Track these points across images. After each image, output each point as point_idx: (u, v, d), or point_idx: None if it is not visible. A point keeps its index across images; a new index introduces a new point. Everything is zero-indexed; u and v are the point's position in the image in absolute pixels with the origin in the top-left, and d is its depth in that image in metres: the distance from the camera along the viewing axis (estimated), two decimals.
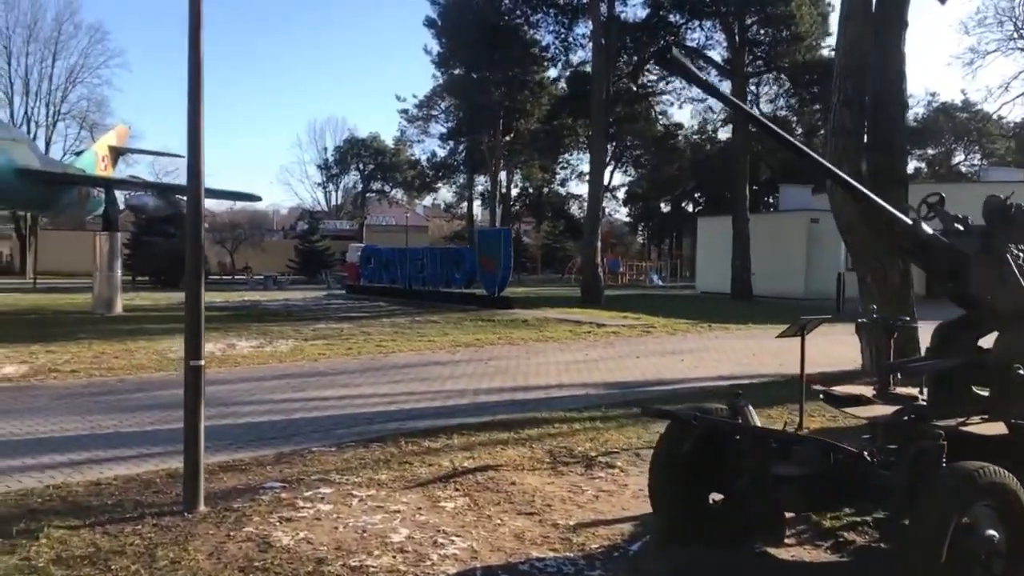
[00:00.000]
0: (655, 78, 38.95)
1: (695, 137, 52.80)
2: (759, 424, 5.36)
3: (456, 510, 5.98)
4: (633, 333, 19.04)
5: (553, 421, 9.10)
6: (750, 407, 5.30)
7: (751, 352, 15.83)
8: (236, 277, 54.44)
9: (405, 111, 60.85)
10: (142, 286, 39.47)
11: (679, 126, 47.22)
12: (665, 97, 42.41)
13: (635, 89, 38.13)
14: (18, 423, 8.61)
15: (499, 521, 5.76)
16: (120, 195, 25.74)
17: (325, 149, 74.30)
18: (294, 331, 18.84)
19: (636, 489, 6.61)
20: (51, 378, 11.68)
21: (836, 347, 14.42)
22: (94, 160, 26.26)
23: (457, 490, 6.48)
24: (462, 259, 27.22)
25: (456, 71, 45.83)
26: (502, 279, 25.11)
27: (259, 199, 29.33)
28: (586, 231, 30.80)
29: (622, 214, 78.56)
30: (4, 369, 12.44)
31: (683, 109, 52.58)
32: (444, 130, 58.24)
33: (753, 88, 42.29)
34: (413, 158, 68.01)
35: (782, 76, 39.48)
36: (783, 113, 45.88)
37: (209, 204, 59.69)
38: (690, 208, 76.40)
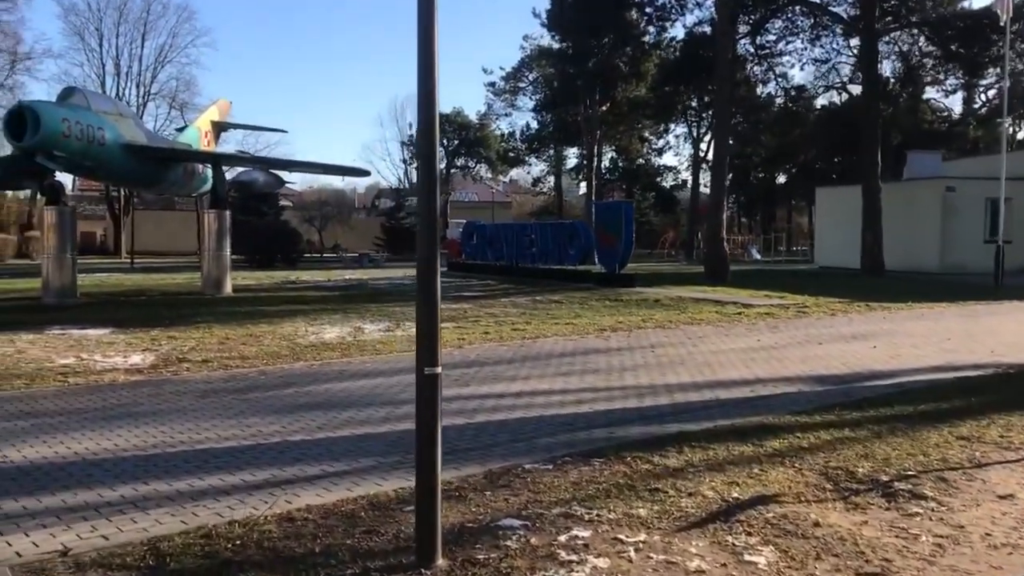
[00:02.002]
0: (773, 38, 36.50)
1: (779, 105, 49.38)
2: None
3: (775, 569, 4.46)
4: (788, 314, 17.25)
5: (790, 428, 7.52)
6: None
7: (943, 336, 13.93)
8: (325, 255, 54.04)
9: (492, 84, 59.31)
10: (237, 265, 38.94)
11: (801, 89, 44.34)
12: (785, 59, 39.69)
13: (753, 50, 35.73)
14: (168, 429, 7.41)
15: None
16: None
17: (410, 125, 73.27)
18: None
19: (982, 533, 5.04)
20: (184, 369, 10.57)
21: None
22: (197, 136, 25.41)
23: (750, 534, 4.96)
24: (577, 234, 25.63)
25: (560, 36, 43.80)
26: (623, 255, 23.48)
27: (368, 174, 28.32)
28: (711, 203, 28.77)
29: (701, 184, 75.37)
30: (131, 359, 11.43)
31: (804, 71, 48.23)
32: (532, 103, 56.54)
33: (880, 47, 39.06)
34: (498, 132, 66.54)
35: (917, 33, 36.36)
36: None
37: (293, 180, 59.33)
38: (782, 179, 73.22)
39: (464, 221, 38.71)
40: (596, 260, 25.20)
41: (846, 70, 41.41)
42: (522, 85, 57.73)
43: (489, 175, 74.90)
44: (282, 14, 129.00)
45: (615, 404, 8.57)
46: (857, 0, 32.03)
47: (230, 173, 24.58)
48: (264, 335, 13.88)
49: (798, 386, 9.57)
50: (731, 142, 56.79)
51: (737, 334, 14.16)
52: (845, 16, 33.98)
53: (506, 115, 62.09)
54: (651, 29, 39.07)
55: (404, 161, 76.38)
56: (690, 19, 35.41)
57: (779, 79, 41.73)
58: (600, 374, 10.25)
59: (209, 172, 23.56)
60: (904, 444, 6.94)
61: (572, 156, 61.94)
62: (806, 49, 38.19)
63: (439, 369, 4.68)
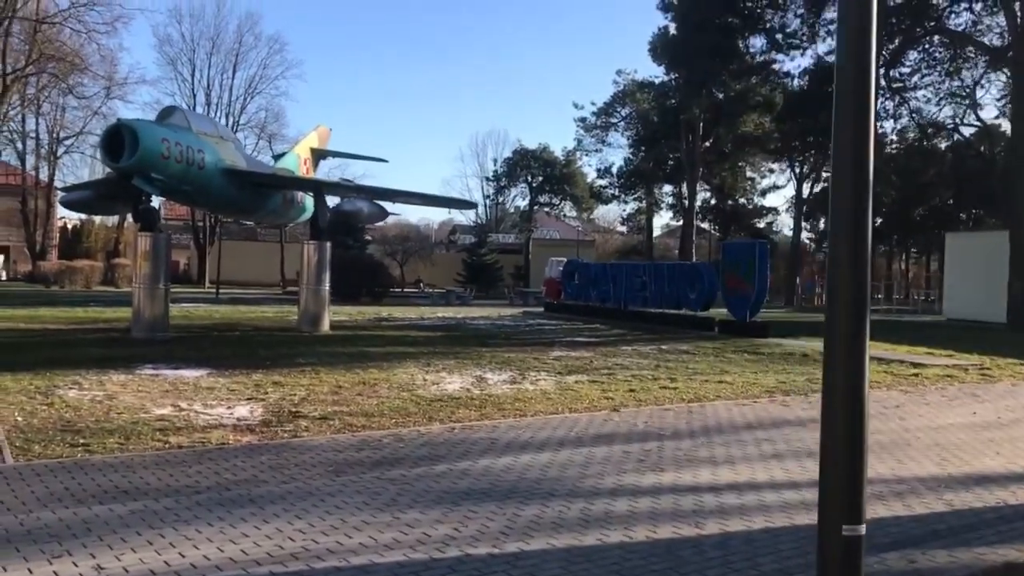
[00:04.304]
0: (908, 70, 33.90)
1: (913, 142, 45.91)
2: None
3: None
4: (972, 378, 14.86)
5: None
6: None
7: None
8: (406, 290, 52.84)
9: (582, 119, 57.67)
10: None
11: (937, 126, 41.33)
12: (920, 93, 36.88)
13: (885, 84, 33.18)
14: (306, 526, 5.60)
15: None
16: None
17: (495, 161, 72.26)
18: (535, 360, 15.79)
19: None
20: (302, 429, 8.84)
21: None
22: (296, 162, 24.15)
23: None
24: (699, 277, 23.45)
25: (668, 67, 41.84)
26: (755, 302, 21.26)
27: (475, 206, 27.33)
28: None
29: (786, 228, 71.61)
30: (237, 410, 9.78)
31: (940, 107, 44.52)
32: (625, 139, 54.68)
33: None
34: (586, 169, 64.91)
35: None
36: None
37: (396, 211, 58.45)
38: (877, 221, 69.56)
39: (564, 259, 36.81)
40: (725, 306, 22.93)
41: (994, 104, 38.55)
42: (614, 121, 56.02)
43: (573, 212, 73.09)
44: (367, 49, 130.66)
45: (876, 509, 6.45)
46: (1009, 30, 29.17)
47: (331, 202, 23.19)
48: (379, 383, 12.18)
49: None
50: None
51: (937, 403, 11.87)
52: (990, 46, 31.24)
53: (596, 151, 60.32)
54: (780, 57, 36.72)
55: (486, 197, 75.26)
56: (822, 48, 32.77)
57: (913, 115, 38.85)
58: (818, 458, 8.12)
59: (308, 201, 22.23)
60: None
61: (666, 194, 59.93)
62: (943, 83, 35.52)
63: (863, 528, 2.74)
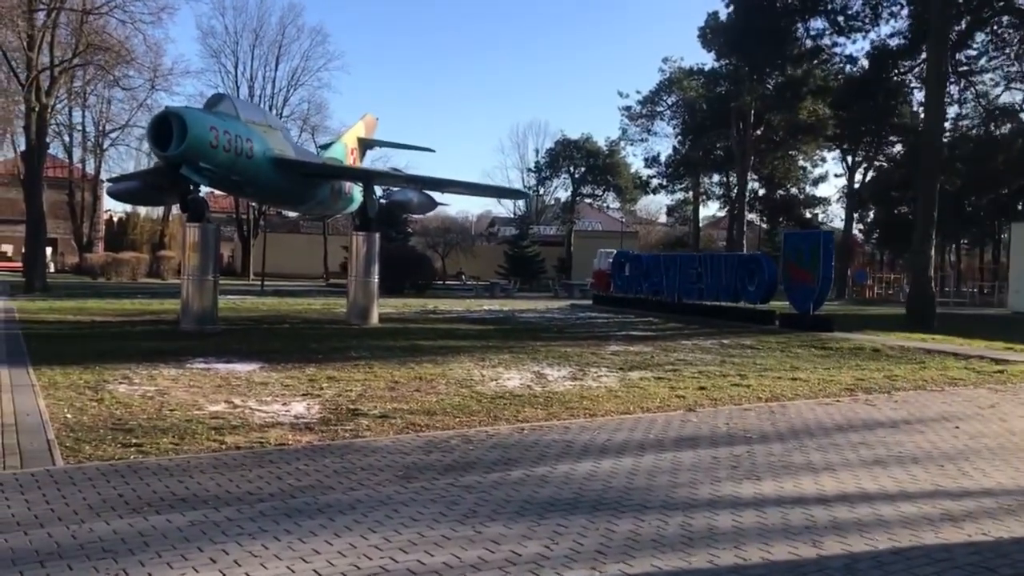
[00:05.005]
0: (975, 53, 32.55)
1: (978, 128, 43.90)
2: None
3: None
4: None
5: None
6: None
7: None
8: (448, 282, 52.46)
9: (627, 108, 56.68)
10: None
11: (1005, 112, 39.65)
12: (987, 76, 35.43)
13: (950, 68, 31.82)
14: (382, 541, 5.07)
15: None
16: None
17: (536, 151, 71.53)
18: (593, 355, 15.22)
19: None
20: (363, 428, 8.35)
21: None
22: (344, 152, 23.72)
23: None
24: (760, 268, 22.60)
25: (719, 53, 40.81)
26: (819, 294, 20.40)
27: (527, 196, 26.37)
28: (919, 236, 25.05)
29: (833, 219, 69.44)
30: (293, 407, 9.32)
31: (1010, 91, 42.38)
32: (671, 128, 53.63)
33: None
34: (631, 158, 64.09)
35: None
36: None
37: (445, 202, 58.13)
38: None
39: (614, 251, 36.04)
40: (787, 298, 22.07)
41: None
42: (660, 109, 54.98)
43: (616, 204, 72.09)
44: (405, 39, 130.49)
45: (1009, 524, 5.77)
46: None
47: (380, 193, 22.69)
48: (435, 379, 11.68)
49: None
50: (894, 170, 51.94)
51: None
52: None
53: (642, 140, 59.29)
54: (841, 41, 35.28)
55: (527, 188, 74.55)
56: (885, 29, 31.54)
57: (980, 99, 37.31)
58: (926, 465, 7.44)
59: (356, 192, 21.79)
60: None
61: (714, 184, 58.71)
62: (1012, 65, 34.06)
63: None
